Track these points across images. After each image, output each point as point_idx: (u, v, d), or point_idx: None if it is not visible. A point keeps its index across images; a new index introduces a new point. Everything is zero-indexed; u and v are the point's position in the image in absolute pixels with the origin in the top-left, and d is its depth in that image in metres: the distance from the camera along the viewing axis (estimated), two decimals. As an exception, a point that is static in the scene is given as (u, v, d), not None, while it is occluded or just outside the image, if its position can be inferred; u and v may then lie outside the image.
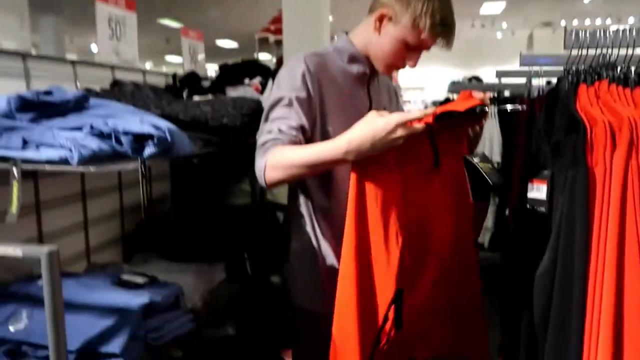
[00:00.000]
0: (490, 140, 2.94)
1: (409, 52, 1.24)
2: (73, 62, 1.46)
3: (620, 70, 1.16)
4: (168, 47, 15.35)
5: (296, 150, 1.14)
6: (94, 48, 15.82)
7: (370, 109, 1.31)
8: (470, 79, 6.30)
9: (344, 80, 1.29)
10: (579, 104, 1.06)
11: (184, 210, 1.64)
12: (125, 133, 0.94)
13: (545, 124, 1.15)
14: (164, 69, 22.00)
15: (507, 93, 3.32)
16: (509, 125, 2.77)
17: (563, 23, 12.27)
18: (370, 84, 1.35)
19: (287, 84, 1.20)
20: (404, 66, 1.28)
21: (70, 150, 0.87)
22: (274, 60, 6.16)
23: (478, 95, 1.11)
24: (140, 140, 0.95)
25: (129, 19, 1.73)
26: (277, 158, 1.13)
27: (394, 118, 1.03)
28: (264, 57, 7.38)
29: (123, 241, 1.52)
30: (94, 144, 0.91)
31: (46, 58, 1.41)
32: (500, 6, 10.95)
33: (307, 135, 1.21)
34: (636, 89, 1.07)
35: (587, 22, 11.67)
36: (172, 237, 1.42)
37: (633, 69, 1.26)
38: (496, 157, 2.86)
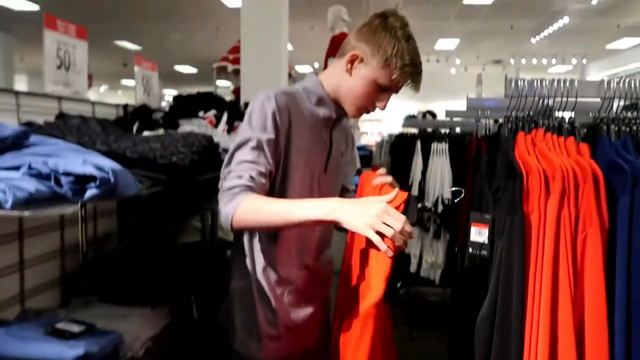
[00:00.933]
0: (442, 177, 3.02)
1: (379, 93, 1.26)
2: (17, 93, 1.41)
3: (555, 119, 1.23)
4: (125, 70, 15.09)
5: (270, 203, 1.13)
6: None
7: (329, 153, 1.35)
8: (424, 114, 6.52)
9: (309, 121, 1.29)
10: (517, 151, 1.12)
11: (130, 249, 1.59)
12: (66, 174, 0.91)
13: (487, 169, 1.20)
14: (120, 93, 21.60)
15: (457, 130, 3.45)
16: (458, 163, 2.86)
17: (512, 61, 12.95)
18: (334, 128, 1.36)
19: (257, 123, 1.20)
20: (374, 109, 1.30)
21: (4, 193, 0.83)
22: (232, 87, 6.17)
23: (385, 179, 1.21)
24: (81, 181, 0.92)
25: (79, 48, 1.69)
26: (249, 206, 1.11)
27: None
28: (222, 83, 7.38)
29: (62, 283, 1.44)
30: (31, 185, 0.87)
31: (-13, 89, 1.34)
32: (454, 43, 11.46)
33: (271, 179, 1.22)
34: (569, 138, 1.13)
35: (534, 61, 12.36)
36: (115, 279, 1.36)
37: (567, 116, 1.35)
38: (446, 194, 2.94)
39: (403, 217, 1.02)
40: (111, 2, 8.51)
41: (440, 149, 3.17)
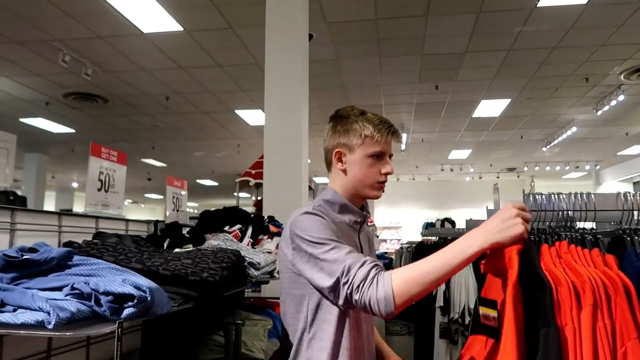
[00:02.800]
0: (467, 287, 2.97)
1: (378, 163, 1.37)
2: (59, 214, 1.50)
3: (577, 231, 1.25)
4: (148, 184, 15.72)
5: (421, 264, 1.11)
6: (74, 184, 16.13)
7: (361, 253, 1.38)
8: (442, 221, 6.58)
9: (340, 228, 1.34)
10: (543, 263, 1.13)
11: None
12: (106, 293, 0.95)
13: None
14: (142, 206, 22.27)
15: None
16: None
17: (526, 168, 13.20)
18: (360, 232, 1.43)
19: (321, 231, 1.22)
20: (385, 177, 1.38)
21: (49, 314, 0.87)
22: (253, 198, 6.37)
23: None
24: (120, 300, 0.96)
25: (118, 171, 1.82)
26: (403, 278, 1.09)
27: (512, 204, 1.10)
28: (243, 194, 7.61)
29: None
30: (73, 306, 0.91)
31: (31, 211, 1.44)
32: (466, 153, 11.82)
33: None
34: (594, 250, 1.15)
35: (548, 168, 12.58)
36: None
37: (589, 226, 1.37)
38: (472, 305, 2.86)
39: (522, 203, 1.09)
40: (140, 126, 9.16)
41: (462, 258, 3.15)
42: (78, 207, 16.18)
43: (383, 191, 1.40)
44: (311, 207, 1.31)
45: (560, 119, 8.89)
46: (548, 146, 10.43)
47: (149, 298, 0.97)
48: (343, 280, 1.13)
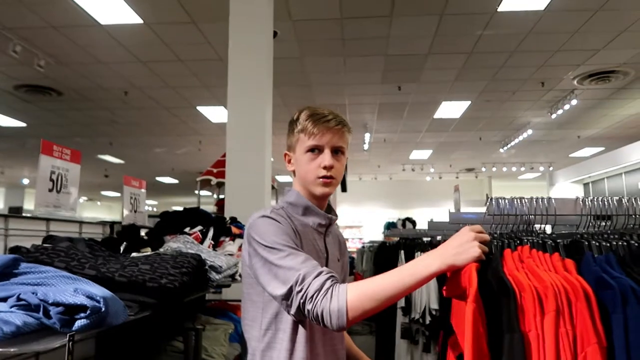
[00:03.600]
0: (427, 287, 3.00)
1: (317, 157, 1.33)
2: (5, 217, 1.41)
3: (538, 235, 1.27)
4: (106, 181, 15.22)
5: (377, 279, 1.09)
6: (25, 181, 15.42)
7: (327, 261, 1.36)
8: (404, 221, 6.66)
9: (304, 231, 1.32)
10: (506, 268, 1.14)
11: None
12: (56, 304, 0.89)
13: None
14: (99, 203, 21.56)
15: (439, 238, 3.50)
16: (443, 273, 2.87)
17: (484, 169, 13.57)
18: (326, 235, 1.40)
19: (278, 236, 1.20)
20: (326, 171, 1.32)
21: (-10, 328, 0.80)
22: (215, 197, 6.26)
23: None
24: (71, 311, 0.90)
25: (72, 171, 1.73)
26: (358, 291, 1.08)
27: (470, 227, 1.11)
28: (205, 193, 7.47)
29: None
30: (19, 319, 0.84)
31: (-23, 213, 1.34)
32: (427, 153, 12.04)
33: None
34: (554, 254, 1.17)
35: (504, 169, 12.98)
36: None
37: (549, 229, 1.40)
38: (434, 305, 2.89)
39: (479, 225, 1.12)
40: (97, 120, 8.83)
41: (424, 258, 3.18)
42: (29, 205, 15.48)
43: (329, 187, 1.33)
44: (270, 210, 1.29)
45: (517, 121, 9.17)
46: (505, 148, 10.75)
47: (103, 308, 0.92)
48: (297, 289, 1.10)
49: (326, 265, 1.33)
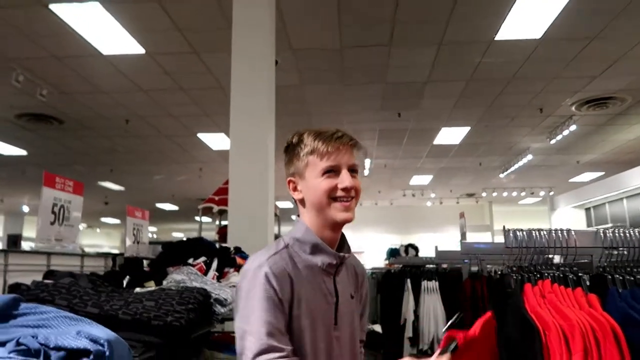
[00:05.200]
0: (435, 317, 2.93)
1: (334, 179, 1.18)
2: (5, 252, 1.36)
3: (559, 269, 1.23)
4: (105, 208, 15.14)
5: None
6: (24, 208, 15.32)
7: (337, 305, 1.21)
8: (406, 247, 6.59)
9: (308, 275, 1.18)
10: (528, 305, 1.09)
11: None
12: (57, 349, 0.84)
13: (496, 323, 1.16)
14: (98, 230, 21.41)
15: (444, 265, 3.45)
16: (451, 302, 2.80)
17: (484, 194, 13.55)
18: (337, 273, 1.23)
19: (259, 312, 1.08)
20: (345, 192, 1.18)
21: (-12, 377, 0.75)
22: (217, 223, 6.19)
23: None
24: (73, 356, 0.85)
25: (74, 202, 1.69)
26: None
27: None
28: (206, 219, 7.42)
29: None
30: (18, 366, 0.79)
31: (-24, 249, 1.29)
32: (427, 178, 12.03)
33: None
34: (577, 289, 1.12)
35: (505, 194, 12.95)
36: None
37: (557, 258, 1.35)
38: (442, 335, 2.82)
39: None
40: (98, 149, 8.84)
41: (430, 287, 3.13)
42: (29, 232, 15.33)
43: (350, 211, 1.20)
44: (269, 257, 1.14)
45: (516, 147, 9.19)
46: (505, 173, 10.75)
47: (107, 353, 0.87)
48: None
49: (336, 311, 1.20)
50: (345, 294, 1.24)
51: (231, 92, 3.76)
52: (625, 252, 1.23)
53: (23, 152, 8.98)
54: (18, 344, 0.84)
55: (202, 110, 6.88)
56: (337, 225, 1.22)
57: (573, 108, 6.98)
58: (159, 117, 7.17)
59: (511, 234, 1.22)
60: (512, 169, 10.30)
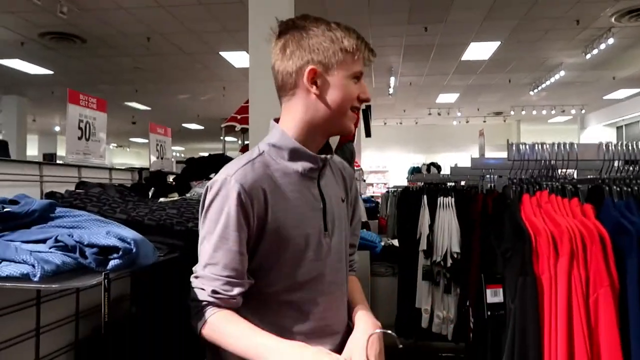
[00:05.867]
0: (449, 231, 3.04)
1: (356, 85, 1.10)
2: (40, 164, 1.47)
3: (558, 180, 1.27)
4: (134, 128, 15.47)
5: (233, 336, 1.02)
6: (56, 128, 15.80)
7: (325, 209, 1.13)
8: (428, 166, 6.63)
9: (288, 183, 1.09)
10: (523, 213, 1.15)
11: (144, 313, 1.60)
12: (91, 245, 0.95)
13: (495, 230, 1.23)
14: (128, 150, 22.03)
15: (462, 183, 3.50)
16: (465, 217, 2.89)
17: (512, 113, 13.21)
18: (321, 178, 1.15)
19: (219, 224, 1.03)
20: (360, 104, 1.12)
21: (34, 266, 0.87)
22: (240, 142, 6.32)
23: None
24: (105, 252, 0.96)
25: (99, 119, 1.77)
26: (215, 329, 1.03)
27: None
28: (229, 138, 7.57)
29: (76, 349, 1.45)
30: (58, 258, 0.91)
31: (12, 161, 1.41)
32: (454, 97, 11.75)
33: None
34: (573, 199, 1.17)
35: (534, 112, 12.60)
36: (130, 346, 1.37)
37: (570, 173, 1.39)
38: (455, 248, 2.94)
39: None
40: (121, 68, 8.86)
41: (446, 202, 3.20)
42: (62, 151, 15.92)
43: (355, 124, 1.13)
44: (246, 161, 1.08)
45: (549, 62, 8.79)
46: (535, 90, 10.39)
47: (133, 250, 0.98)
48: (194, 281, 1.06)
49: (324, 214, 1.13)
50: (333, 198, 1.17)
51: (249, 5, 3.67)
52: (630, 168, 1.26)
53: (49, 72, 9.10)
54: (57, 240, 0.96)
55: (222, 26, 6.75)
56: (334, 134, 1.16)
57: (612, 19, 6.56)
58: (179, 34, 7.08)
59: (514, 147, 1.25)
60: (543, 85, 9.93)
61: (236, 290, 1.04)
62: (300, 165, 1.10)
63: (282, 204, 1.08)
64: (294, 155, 1.10)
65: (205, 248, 1.05)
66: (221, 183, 1.05)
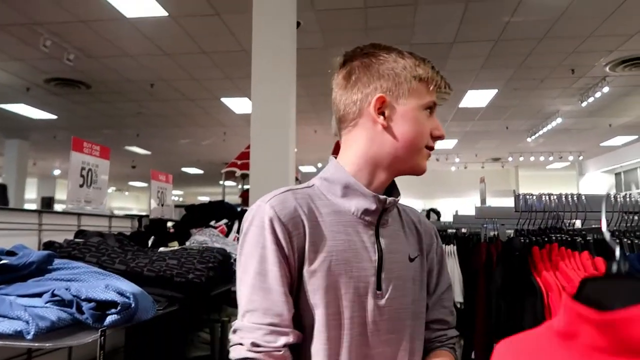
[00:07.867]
0: (452, 281, 2.98)
1: (429, 119, 0.96)
2: (39, 212, 1.46)
3: (567, 233, 1.25)
4: (133, 172, 15.53)
5: None
6: (56, 171, 15.85)
7: (381, 261, 0.92)
8: (428, 212, 6.62)
9: (336, 221, 0.91)
10: (533, 267, 1.12)
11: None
12: (88, 300, 0.92)
13: (503, 284, 1.20)
14: (126, 194, 22.02)
15: (463, 230, 3.46)
16: (468, 266, 2.84)
17: (510, 159, 13.32)
18: (382, 226, 0.95)
19: (254, 257, 0.86)
20: (434, 142, 0.98)
21: (28, 323, 0.83)
22: (240, 187, 6.33)
23: None
24: (102, 307, 0.93)
25: (101, 166, 1.77)
26: None
27: None
28: (229, 183, 7.58)
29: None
30: (53, 314, 0.87)
31: (10, 210, 1.39)
32: (452, 142, 11.88)
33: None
34: (584, 253, 1.15)
35: (532, 158, 12.70)
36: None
37: (578, 224, 1.37)
38: (458, 298, 2.87)
39: None
40: (124, 112, 9.00)
41: (449, 251, 3.15)
42: (60, 195, 15.93)
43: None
44: (287, 189, 0.93)
45: (546, 110, 8.94)
46: (533, 137, 10.51)
47: (132, 305, 0.95)
48: (233, 337, 0.86)
49: (379, 271, 0.92)
50: (396, 252, 0.96)
51: (252, 54, 3.77)
52: (637, 218, 1.24)
53: (53, 117, 9.22)
54: (53, 295, 0.92)
55: (224, 74, 6.89)
56: (403, 174, 0.99)
57: (607, 68, 6.72)
58: (182, 80, 7.22)
59: (521, 198, 1.24)
60: (541, 132, 10.06)
61: (282, 341, 0.82)
62: (354, 205, 0.92)
63: (326, 245, 0.88)
64: (347, 191, 0.93)
65: (242, 292, 0.86)
66: (255, 211, 0.89)
